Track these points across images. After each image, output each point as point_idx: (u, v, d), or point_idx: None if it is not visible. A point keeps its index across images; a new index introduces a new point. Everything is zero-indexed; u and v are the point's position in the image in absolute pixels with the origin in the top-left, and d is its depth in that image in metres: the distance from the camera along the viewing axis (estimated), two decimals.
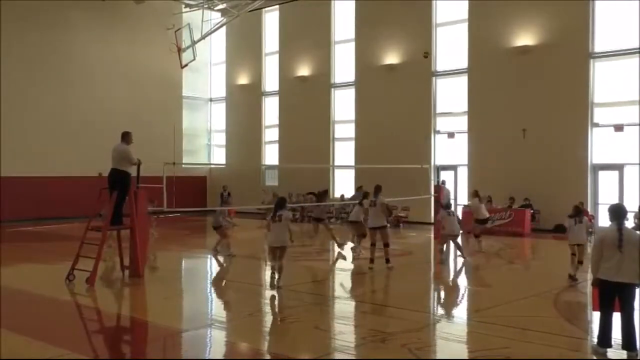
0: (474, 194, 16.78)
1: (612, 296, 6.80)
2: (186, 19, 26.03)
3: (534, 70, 20.65)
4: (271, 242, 10.94)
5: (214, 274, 14.06)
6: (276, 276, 10.76)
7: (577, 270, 11.50)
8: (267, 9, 28.24)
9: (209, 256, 16.14)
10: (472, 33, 22.19)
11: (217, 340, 8.14)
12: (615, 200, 16.72)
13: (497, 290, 11.43)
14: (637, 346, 6.73)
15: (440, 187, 19.84)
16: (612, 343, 6.87)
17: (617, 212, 6.98)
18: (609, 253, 6.75)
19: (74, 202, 23.45)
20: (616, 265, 6.69)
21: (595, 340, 7.05)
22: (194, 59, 24.46)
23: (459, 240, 14.95)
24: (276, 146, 29.00)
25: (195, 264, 15.43)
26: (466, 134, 22.51)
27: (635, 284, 6.75)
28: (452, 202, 21.41)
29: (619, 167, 19.45)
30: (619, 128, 19.22)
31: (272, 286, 10.69)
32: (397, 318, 9.00)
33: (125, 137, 11.85)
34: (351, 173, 25.76)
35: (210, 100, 32.52)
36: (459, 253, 14.69)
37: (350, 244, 16.12)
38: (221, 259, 14.80)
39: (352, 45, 25.88)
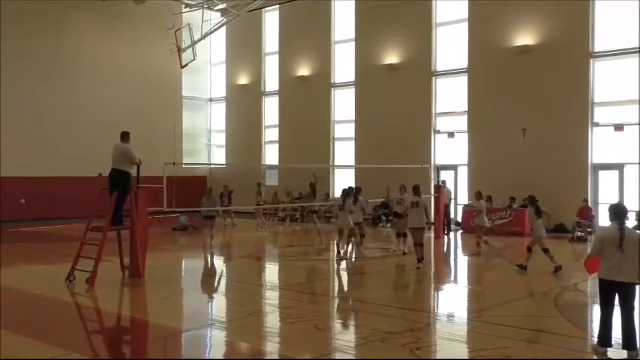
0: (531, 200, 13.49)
1: (612, 295, 6.79)
2: (186, 19, 26.02)
3: (534, 70, 20.64)
4: (340, 226, 14.08)
5: (214, 274, 14.05)
6: (348, 250, 14.16)
7: None
8: (267, 9, 28.24)
9: (209, 256, 16.14)
10: (472, 33, 22.18)
11: (217, 340, 8.14)
12: (616, 200, 16.73)
13: (497, 290, 11.42)
14: (638, 345, 6.72)
15: (440, 187, 19.85)
16: (613, 343, 6.86)
17: (618, 212, 6.97)
18: (609, 252, 6.74)
19: (74, 202, 23.44)
20: (617, 265, 6.68)
21: (596, 339, 7.05)
22: (194, 59, 24.45)
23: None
24: (276, 146, 29.01)
25: (195, 264, 15.41)
26: (466, 134, 22.51)
27: (636, 284, 6.74)
28: (452, 201, 21.39)
29: (620, 167, 19.43)
30: (619, 128, 19.20)
31: (340, 258, 14.06)
32: (397, 318, 8.99)
33: (126, 137, 11.84)
34: (351, 173, 25.76)
35: (211, 100, 32.52)
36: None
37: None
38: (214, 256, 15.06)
39: (352, 45, 25.88)
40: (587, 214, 18.67)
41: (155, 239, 17.51)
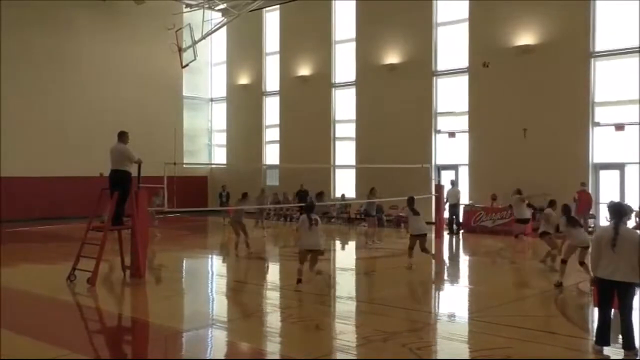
0: (516, 192, 16.85)
1: (609, 294, 6.79)
2: (187, 19, 26.03)
3: (534, 70, 20.63)
4: (418, 231, 12.76)
5: (214, 274, 14.06)
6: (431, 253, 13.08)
7: None
8: (267, 8, 28.23)
9: (210, 256, 16.14)
10: (473, 33, 22.17)
11: (218, 340, 8.13)
12: (617, 200, 16.68)
13: (497, 290, 11.41)
14: (636, 345, 6.72)
15: (440, 187, 19.83)
16: (611, 342, 6.85)
17: (615, 211, 6.96)
18: (605, 252, 6.75)
19: (74, 202, 23.46)
20: (611, 263, 6.68)
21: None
22: (195, 59, 24.47)
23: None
24: (277, 146, 29.00)
25: (196, 264, 15.43)
26: (467, 134, 22.51)
27: (634, 283, 6.72)
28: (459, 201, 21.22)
29: (620, 167, 19.44)
30: (619, 127, 19.20)
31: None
32: (397, 318, 8.99)
33: (123, 136, 11.79)
34: (352, 173, 25.75)
35: (211, 100, 32.52)
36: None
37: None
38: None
39: (353, 44, 25.87)
40: (586, 200, 18.48)
41: (158, 239, 17.52)
